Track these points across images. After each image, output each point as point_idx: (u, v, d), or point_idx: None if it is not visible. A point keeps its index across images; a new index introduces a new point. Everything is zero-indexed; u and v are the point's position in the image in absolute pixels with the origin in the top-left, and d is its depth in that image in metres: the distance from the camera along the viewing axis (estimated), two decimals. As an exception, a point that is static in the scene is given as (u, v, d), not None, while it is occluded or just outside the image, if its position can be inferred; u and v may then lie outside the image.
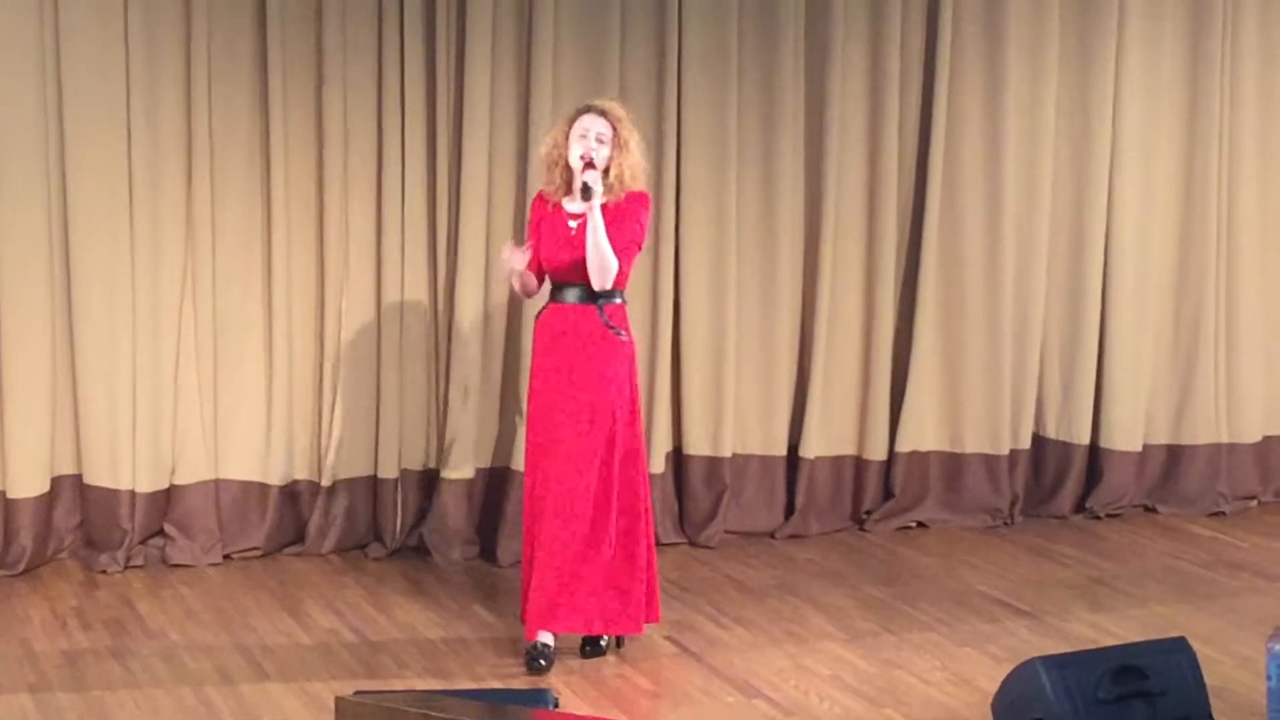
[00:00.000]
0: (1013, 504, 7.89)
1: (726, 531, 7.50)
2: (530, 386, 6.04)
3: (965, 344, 7.82)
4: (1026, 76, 7.74)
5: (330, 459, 7.12)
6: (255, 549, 7.11)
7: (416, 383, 7.17)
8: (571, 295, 5.90)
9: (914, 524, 7.78)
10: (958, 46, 7.65)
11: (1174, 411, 8.17)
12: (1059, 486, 8.02)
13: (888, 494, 7.81)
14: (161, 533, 7.03)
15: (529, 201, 6.39)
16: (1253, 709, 5.45)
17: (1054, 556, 7.38)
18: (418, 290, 7.14)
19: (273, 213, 6.98)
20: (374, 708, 4.73)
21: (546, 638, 5.85)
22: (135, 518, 6.92)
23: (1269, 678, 4.97)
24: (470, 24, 7.04)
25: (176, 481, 7.03)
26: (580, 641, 6.00)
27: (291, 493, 7.16)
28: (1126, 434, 8.02)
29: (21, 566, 6.76)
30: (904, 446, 7.78)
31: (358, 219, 7.09)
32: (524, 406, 6.54)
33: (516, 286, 6.06)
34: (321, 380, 7.15)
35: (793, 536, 7.57)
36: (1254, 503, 8.26)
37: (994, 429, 7.84)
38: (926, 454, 7.84)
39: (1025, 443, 7.94)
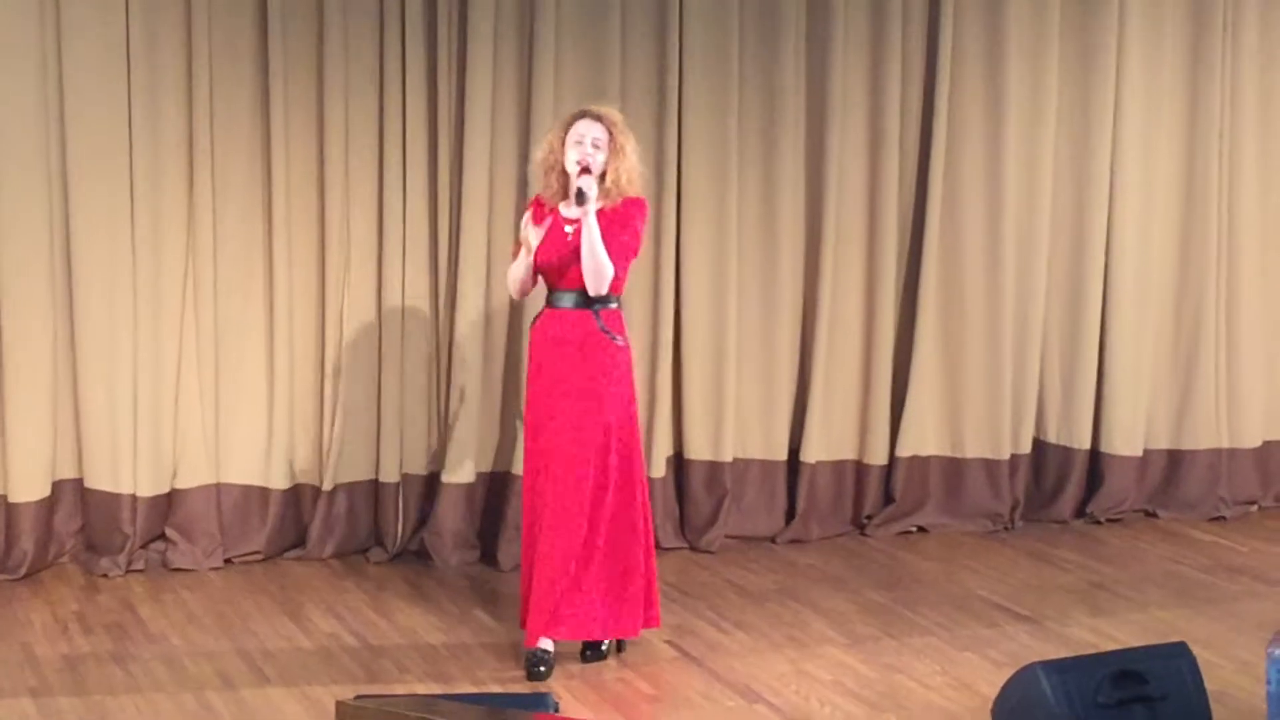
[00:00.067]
0: (1013, 509, 7.90)
1: (727, 536, 7.50)
2: (527, 394, 6.04)
3: (966, 348, 7.83)
4: (1027, 80, 7.74)
5: (331, 463, 7.12)
6: (256, 553, 7.11)
7: (417, 387, 7.17)
8: (567, 301, 5.90)
9: (915, 529, 7.78)
10: (958, 51, 7.66)
11: (1174, 416, 8.17)
12: (1059, 491, 8.02)
13: (888, 499, 7.81)
14: (163, 537, 7.03)
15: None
16: (1253, 714, 5.45)
17: (1054, 561, 7.38)
18: (419, 295, 7.14)
19: (274, 217, 6.98)
20: (375, 712, 4.74)
21: (546, 644, 5.85)
22: (136, 522, 6.92)
23: (1269, 682, 4.96)
24: (472, 30, 7.04)
25: (178, 485, 7.03)
26: (581, 646, 6.00)
27: (293, 497, 7.17)
28: (1127, 439, 8.02)
29: (23, 571, 6.77)
30: (905, 451, 7.78)
31: (359, 223, 7.09)
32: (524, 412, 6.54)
33: (518, 276, 5.98)
34: (323, 384, 7.15)
35: (793, 541, 7.57)
36: (1254, 508, 8.26)
37: (994, 434, 7.85)
38: (927, 459, 7.85)
39: (1026, 447, 7.94)
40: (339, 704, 4.84)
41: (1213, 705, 5.13)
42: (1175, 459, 8.18)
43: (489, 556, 7.19)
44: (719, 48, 7.34)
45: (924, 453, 7.84)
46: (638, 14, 7.28)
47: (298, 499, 7.19)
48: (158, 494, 6.99)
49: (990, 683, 5.66)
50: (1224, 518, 8.08)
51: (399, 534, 7.20)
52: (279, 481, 7.11)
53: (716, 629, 6.39)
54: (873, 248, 7.65)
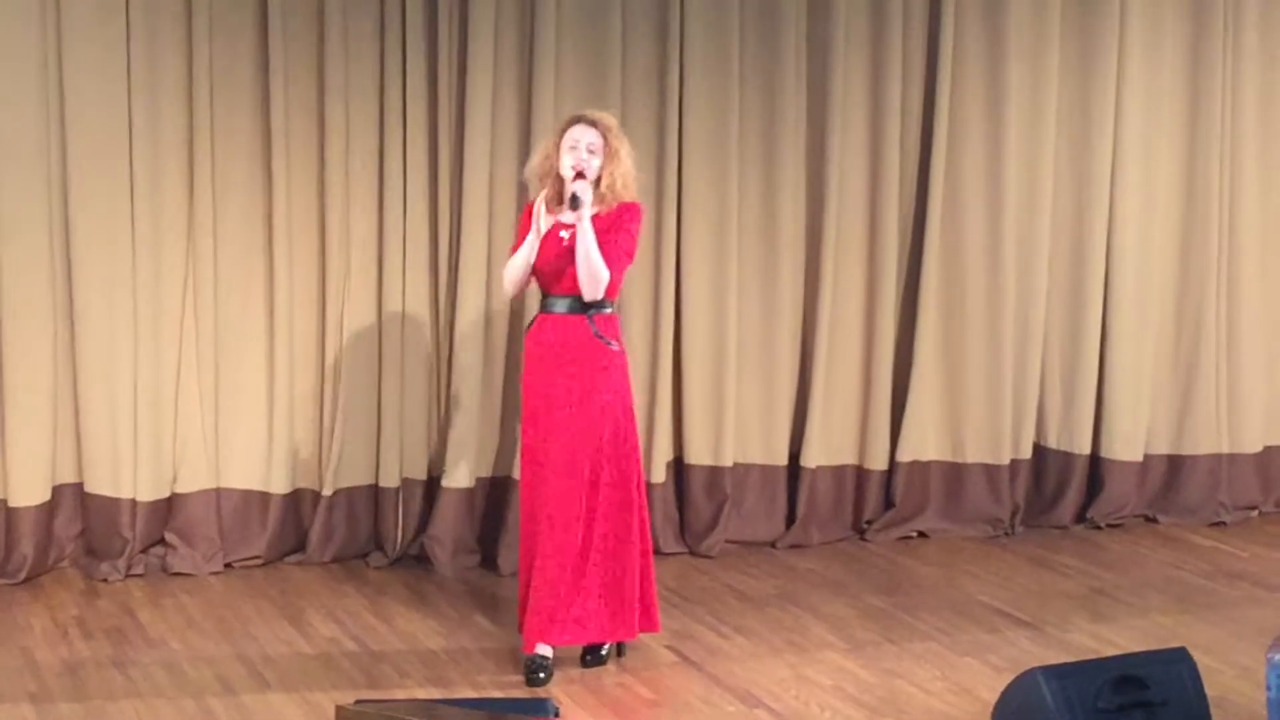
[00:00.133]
0: (1014, 514, 7.89)
1: (727, 541, 7.50)
2: (523, 400, 6.03)
3: (966, 353, 7.82)
4: (1027, 82, 7.74)
5: (331, 467, 7.12)
6: (256, 557, 7.11)
7: (417, 391, 7.17)
8: (561, 306, 5.89)
9: (915, 534, 7.78)
10: (959, 54, 7.66)
11: (1175, 422, 8.17)
12: (1060, 496, 8.01)
13: (889, 504, 7.80)
14: (162, 541, 7.02)
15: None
16: (1253, 719, 5.45)
17: (1055, 566, 7.38)
18: (419, 298, 7.14)
19: (274, 221, 6.98)
20: (375, 717, 4.74)
21: (545, 649, 5.85)
22: (136, 526, 6.92)
23: (1269, 688, 4.95)
24: (472, 33, 7.04)
25: (177, 490, 7.03)
26: (581, 651, 6.00)
27: (292, 501, 7.17)
28: (1127, 444, 8.01)
29: (22, 575, 6.76)
30: (905, 456, 7.78)
31: (359, 227, 7.09)
32: (523, 419, 6.55)
33: (520, 265, 5.91)
34: (322, 388, 7.15)
35: (794, 546, 7.57)
36: (1255, 513, 8.25)
37: (995, 439, 7.84)
38: (927, 464, 7.84)
39: (1026, 452, 7.94)
40: (339, 709, 4.85)
41: (1213, 711, 5.13)
42: (1176, 464, 8.17)
43: (489, 561, 7.18)
44: (719, 49, 7.34)
45: (924, 458, 7.83)
46: (638, 15, 7.28)
47: (297, 503, 7.18)
48: (158, 498, 6.99)
49: (990, 688, 5.65)
50: (1224, 523, 8.07)
51: (399, 538, 7.19)
52: (279, 486, 7.11)
53: (716, 634, 6.39)
54: (873, 251, 7.65)
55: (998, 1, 7.65)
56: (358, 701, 5.21)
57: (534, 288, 6.09)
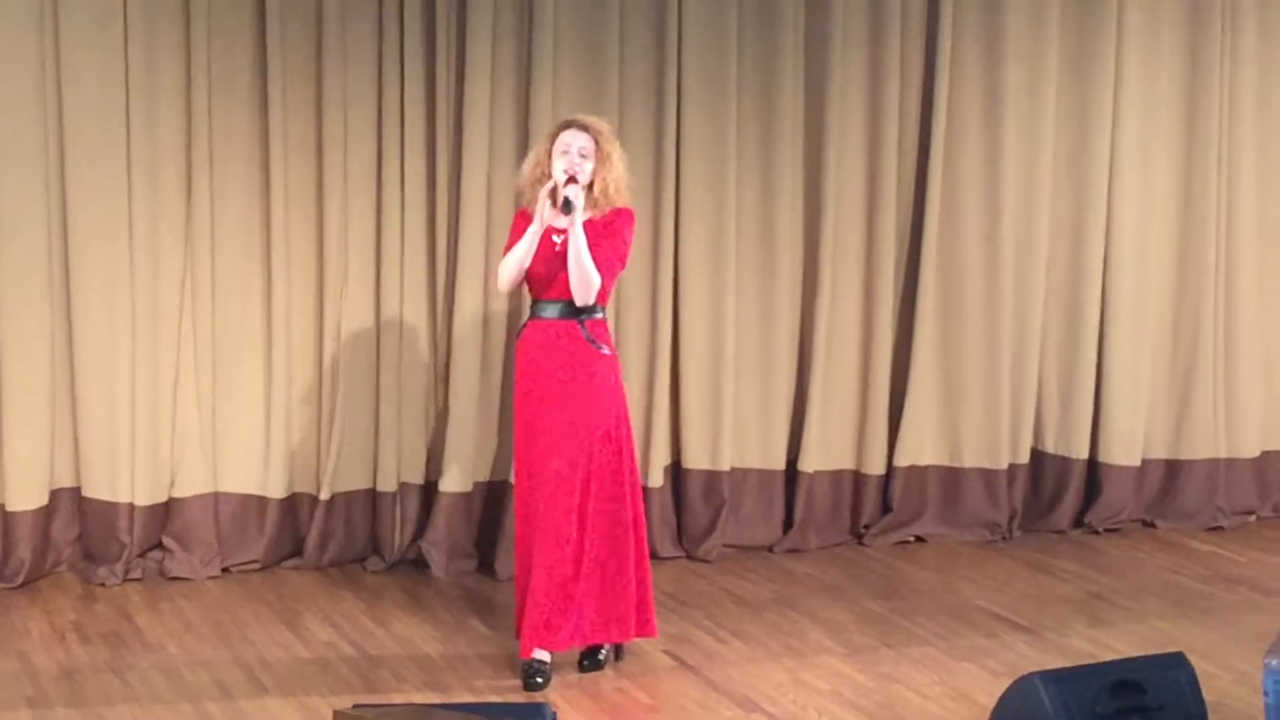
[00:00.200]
0: (1011, 519, 7.89)
1: (725, 545, 7.50)
2: (516, 409, 6.03)
3: (964, 358, 7.82)
4: (1025, 88, 7.73)
5: (329, 472, 7.11)
6: (254, 562, 7.11)
7: (415, 396, 7.17)
8: (552, 311, 5.89)
9: (912, 538, 7.78)
10: (957, 59, 7.65)
11: (1173, 426, 8.17)
12: (1057, 501, 8.01)
13: (886, 508, 7.80)
14: (160, 546, 7.02)
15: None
16: (1251, 724, 5.46)
17: (1052, 571, 7.38)
18: (416, 303, 7.14)
19: (272, 224, 6.98)
20: (372, 722, 4.74)
21: (542, 654, 5.85)
22: (134, 531, 6.91)
23: (1266, 693, 4.96)
24: (470, 37, 7.04)
25: (175, 494, 7.03)
26: (579, 655, 6.00)
27: (290, 506, 7.16)
28: (1125, 449, 8.01)
29: (20, 579, 6.76)
30: (902, 461, 7.78)
31: (357, 231, 7.09)
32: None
33: (518, 258, 5.86)
34: (320, 393, 7.15)
35: (791, 550, 7.56)
36: (1252, 518, 8.25)
37: (992, 443, 7.84)
38: (925, 468, 7.84)
39: (1024, 457, 7.94)
40: (336, 713, 4.84)
41: (1210, 716, 5.12)
42: (1173, 469, 8.17)
43: (486, 566, 7.18)
44: (716, 55, 7.34)
45: (922, 462, 7.83)
46: (636, 23, 7.28)
47: (295, 508, 7.18)
48: (155, 503, 6.98)
49: (988, 693, 5.66)
50: (1222, 528, 8.07)
51: (396, 543, 7.19)
52: (276, 490, 7.11)
53: (714, 638, 6.39)
54: (870, 255, 7.65)
55: (995, 4, 7.65)
56: (355, 706, 5.21)
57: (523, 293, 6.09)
